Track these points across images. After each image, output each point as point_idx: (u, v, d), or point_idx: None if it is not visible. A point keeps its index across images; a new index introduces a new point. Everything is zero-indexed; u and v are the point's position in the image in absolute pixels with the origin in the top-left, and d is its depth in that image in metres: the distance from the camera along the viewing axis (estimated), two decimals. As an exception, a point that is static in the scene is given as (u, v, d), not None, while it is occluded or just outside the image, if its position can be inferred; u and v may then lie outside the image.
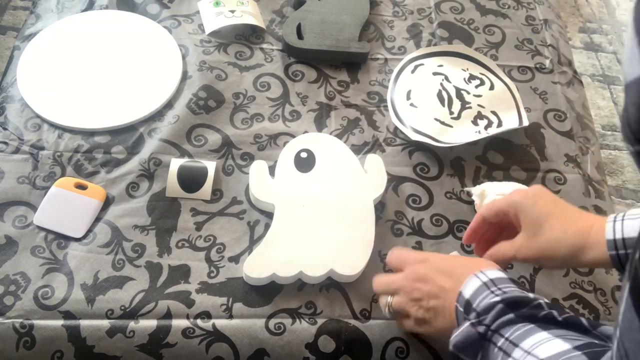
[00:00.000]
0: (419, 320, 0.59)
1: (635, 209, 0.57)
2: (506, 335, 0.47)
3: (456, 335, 0.51)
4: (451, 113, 0.84)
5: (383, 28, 0.97)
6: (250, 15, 0.92)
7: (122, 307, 0.64)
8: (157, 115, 0.81)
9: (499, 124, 0.84)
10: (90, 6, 0.92)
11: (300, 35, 0.90)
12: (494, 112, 0.85)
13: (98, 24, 0.90)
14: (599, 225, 0.57)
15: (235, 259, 0.70)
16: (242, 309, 0.66)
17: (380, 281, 0.64)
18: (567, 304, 0.70)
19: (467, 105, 0.85)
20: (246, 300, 0.67)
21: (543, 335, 0.45)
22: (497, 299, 0.49)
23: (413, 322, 0.60)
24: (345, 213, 0.71)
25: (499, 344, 0.47)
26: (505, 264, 0.64)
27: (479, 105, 0.86)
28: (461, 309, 0.53)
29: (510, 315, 0.48)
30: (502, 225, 0.65)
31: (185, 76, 0.85)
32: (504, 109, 0.86)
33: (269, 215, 0.72)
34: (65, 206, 0.71)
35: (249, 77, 0.87)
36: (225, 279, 0.68)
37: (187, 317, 0.65)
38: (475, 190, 0.76)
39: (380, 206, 0.75)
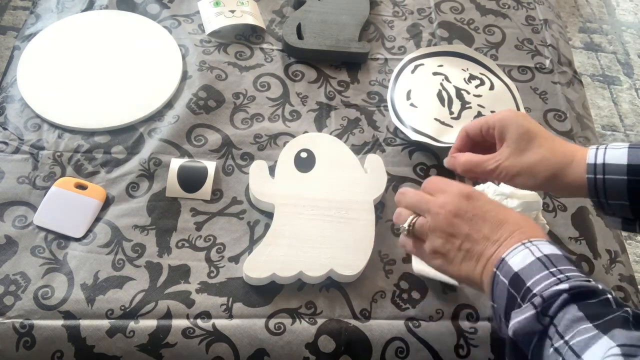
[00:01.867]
0: (436, 253, 0.53)
1: (618, 142, 0.58)
2: (566, 338, 0.42)
3: (519, 320, 0.45)
4: (451, 113, 0.84)
5: (383, 28, 0.97)
6: (250, 15, 0.92)
7: (122, 307, 0.64)
8: (157, 115, 0.81)
9: (499, 124, 0.84)
10: (90, 6, 0.92)
11: (300, 35, 0.90)
12: (493, 112, 0.85)
13: (98, 24, 0.90)
14: (583, 152, 0.56)
15: (235, 259, 0.70)
16: (242, 309, 0.66)
17: (410, 195, 0.57)
18: (567, 304, 0.70)
19: (467, 105, 0.85)
20: (246, 300, 0.67)
21: (609, 346, 0.40)
22: (564, 286, 0.44)
23: (431, 251, 0.54)
24: (345, 213, 0.71)
25: (557, 344, 0.42)
26: (477, 176, 0.62)
27: (479, 105, 0.86)
28: (505, 281, 0.47)
29: (575, 311, 0.43)
30: (485, 147, 0.63)
31: (185, 76, 0.85)
32: (504, 109, 0.86)
33: (269, 215, 0.72)
34: (65, 206, 0.71)
35: (249, 77, 0.87)
36: (225, 279, 0.68)
37: (187, 317, 0.65)
38: (475, 190, 0.76)
39: (380, 206, 0.75)
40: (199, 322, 0.64)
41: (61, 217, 0.70)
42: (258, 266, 0.66)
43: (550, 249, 0.48)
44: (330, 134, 0.82)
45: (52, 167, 0.74)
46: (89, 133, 0.78)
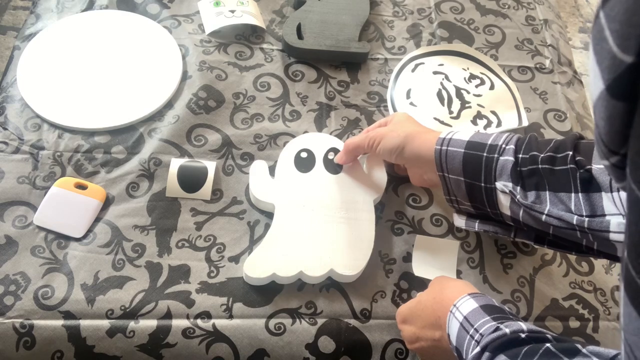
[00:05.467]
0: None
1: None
2: None
3: None
4: (450, 112, 0.84)
5: (383, 28, 0.97)
6: (250, 15, 0.92)
7: (122, 307, 0.64)
8: (157, 115, 0.81)
9: (499, 124, 0.84)
10: (90, 6, 0.92)
11: (300, 35, 0.90)
12: (493, 112, 0.85)
13: (98, 24, 0.90)
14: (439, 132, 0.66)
15: (235, 259, 0.70)
16: (242, 309, 0.66)
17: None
18: (566, 304, 0.70)
19: (466, 105, 0.85)
20: (246, 300, 0.67)
21: None
22: (478, 349, 0.50)
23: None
24: (345, 213, 0.71)
25: None
26: (354, 151, 0.73)
27: (478, 104, 0.86)
28: (456, 355, 0.54)
29: (501, 357, 0.48)
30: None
31: (185, 76, 0.85)
32: (504, 109, 0.86)
33: (269, 215, 0.72)
34: (65, 206, 0.71)
35: (249, 77, 0.87)
36: (225, 279, 0.68)
37: (187, 317, 0.65)
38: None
39: (380, 206, 0.75)
40: (199, 322, 0.64)
41: (61, 217, 0.70)
42: (258, 266, 0.66)
43: (468, 305, 0.54)
44: (330, 134, 0.82)
45: (52, 167, 0.74)
46: (89, 133, 0.78)
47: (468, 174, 0.62)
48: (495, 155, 0.60)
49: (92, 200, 0.71)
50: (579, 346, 0.45)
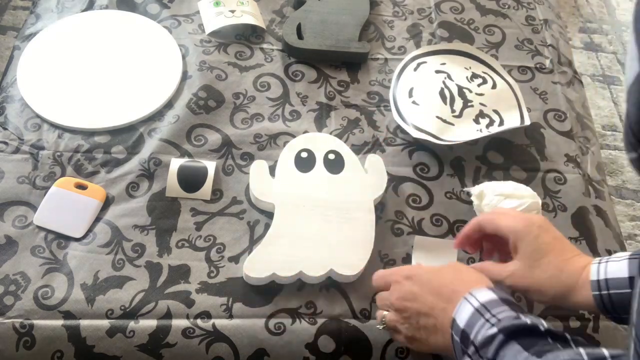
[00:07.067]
0: (410, 338, 0.58)
1: (619, 252, 0.58)
2: None
3: None
4: (453, 111, 0.84)
5: (383, 28, 0.97)
6: (250, 15, 0.92)
7: (122, 307, 0.64)
8: (157, 115, 0.81)
9: (501, 123, 0.84)
10: (90, 6, 0.92)
11: (300, 35, 0.90)
12: (495, 111, 0.85)
13: (98, 24, 0.90)
14: (588, 270, 0.57)
15: (235, 259, 0.70)
16: (242, 309, 0.66)
17: (379, 298, 0.63)
18: (567, 304, 0.70)
19: (469, 104, 0.85)
20: (246, 300, 0.67)
21: None
22: (494, 330, 0.47)
23: (405, 339, 0.58)
24: (345, 213, 0.71)
25: None
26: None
27: (480, 103, 0.86)
28: (458, 339, 0.51)
29: (515, 346, 0.46)
30: (498, 239, 0.64)
31: (185, 76, 0.85)
32: (506, 108, 0.86)
33: (269, 215, 0.72)
34: (65, 206, 0.71)
35: (249, 77, 0.87)
36: (225, 278, 0.68)
37: (187, 317, 0.65)
38: (474, 191, 0.76)
39: (380, 206, 0.75)
40: (199, 322, 0.64)
41: (61, 217, 0.70)
42: (258, 266, 0.66)
43: (486, 295, 0.52)
44: (330, 134, 0.82)
45: (52, 167, 0.74)
46: (89, 133, 0.78)
47: None
48: None
49: (92, 200, 0.71)
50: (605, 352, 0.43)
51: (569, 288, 0.57)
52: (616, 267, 0.56)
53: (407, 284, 0.58)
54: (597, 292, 0.55)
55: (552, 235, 0.61)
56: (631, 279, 0.54)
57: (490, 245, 0.68)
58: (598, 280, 0.56)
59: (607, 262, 0.57)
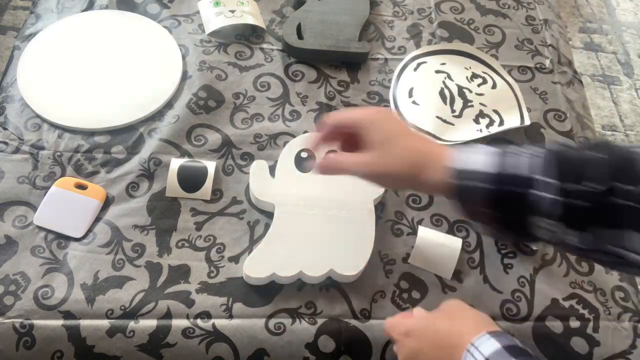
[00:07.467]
0: None
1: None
2: None
3: None
4: (453, 111, 0.84)
5: (383, 28, 0.97)
6: (250, 15, 0.92)
7: (122, 307, 0.64)
8: (157, 115, 0.81)
9: (501, 123, 0.84)
10: (90, 6, 0.92)
11: (300, 35, 0.90)
12: (495, 111, 0.85)
13: (98, 24, 0.90)
14: (440, 149, 0.56)
15: (235, 259, 0.70)
16: (242, 309, 0.66)
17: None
18: (567, 304, 0.70)
19: (469, 104, 0.85)
20: (246, 300, 0.67)
21: None
22: None
23: None
24: (346, 213, 0.71)
25: None
26: (340, 168, 0.60)
27: (480, 103, 0.86)
28: None
29: None
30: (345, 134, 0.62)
31: (185, 76, 0.85)
32: (506, 108, 0.86)
33: (269, 215, 0.72)
34: (65, 206, 0.71)
35: (249, 77, 0.87)
36: (225, 279, 0.68)
37: (187, 317, 0.65)
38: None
39: (380, 206, 0.75)
40: (199, 322, 0.64)
41: (61, 217, 0.70)
42: (258, 266, 0.66)
43: (490, 346, 0.50)
44: (330, 134, 0.82)
45: (52, 167, 0.74)
46: (89, 133, 0.78)
47: (499, 211, 0.52)
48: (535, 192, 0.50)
49: (92, 200, 0.71)
50: None
51: (420, 166, 0.56)
52: (475, 160, 0.53)
53: (407, 342, 0.57)
54: (454, 181, 0.53)
55: (398, 123, 0.61)
56: (529, 179, 0.50)
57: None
58: (457, 170, 0.53)
59: (467, 154, 0.54)
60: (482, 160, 0.53)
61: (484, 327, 0.53)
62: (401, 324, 0.59)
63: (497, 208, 0.52)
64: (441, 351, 0.54)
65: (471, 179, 0.52)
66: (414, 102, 0.85)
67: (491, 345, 0.50)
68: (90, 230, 0.70)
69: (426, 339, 0.56)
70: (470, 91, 0.87)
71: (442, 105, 0.85)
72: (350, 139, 0.61)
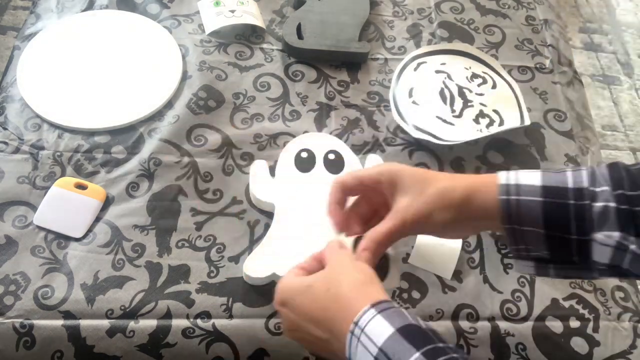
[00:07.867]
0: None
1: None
2: None
3: None
4: (453, 111, 0.84)
5: (383, 28, 0.97)
6: (250, 15, 0.92)
7: (122, 307, 0.64)
8: (157, 115, 0.81)
9: (501, 123, 0.84)
10: (90, 6, 0.92)
11: (300, 35, 0.90)
12: (495, 111, 0.85)
13: (98, 24, 0.90)
14: (490, 177, 0.52)
15: (235, 259, 0.70)
16: (242, 309, 0.66)
17: None
18: (567, 304, 0.70)
19: (469, 104, 0.85)
20: (246, 300, 0.67)
21: None
22: None
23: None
24: (345, 213, 0.71)
25: None
26: (387, 244, 0.54)
27: (481, 103, 0.86)
28: None
29: None
30: (371, 203, 0.57)
31: (185, 76, 0.85)
32: (506, 108, 0.86)
33: (269, 215, 0.72)
34: (65, 206, 0.71)
35: (249, 77, 0.87)
36: (225, 278, 0.68)
37: (187, 317, 0.65)
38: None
39: (380, 206, 0.75)
40: (199, 322, 0.64)
41: (61, 217, 0.70)
42: (258, 266, 0.66)
43: (380, 330, 0.43)
44: (330, 134, 0.82)
45: (52, 167, 0.74)
46: (89, 133, 0.78)
47: (551, 227, 0.50)
48: (587, 202, 0.48)
49: (92, 200, 0.71)
50: None
51: (471, 191, 0.52)
52: (528, 176, 0.51)
53: (284, 313, 0.52)
54: (504, 197, 0.50)
55: (415, 168, 0.55)
56: (544, 188, 0.49)
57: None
58: (507, 185, 0.50)
59: (516, 172, 0.52)
60: (535, 176, 0.51)
61: (369, 295, 0.46)
62: (277, 291, 0.53)
63: (550, 224, 0.49)
64: (319, 327, 0.48)
65: (524, 194, 0.50)
66: (414, 102, 0.85)
67: (382, 328, 0.43)
68: (90, 230, 0.70)
69: (302, 312, 0.50)
70: (470, 91, 0.87)
71: (442, 105, 0.85)
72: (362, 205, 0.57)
